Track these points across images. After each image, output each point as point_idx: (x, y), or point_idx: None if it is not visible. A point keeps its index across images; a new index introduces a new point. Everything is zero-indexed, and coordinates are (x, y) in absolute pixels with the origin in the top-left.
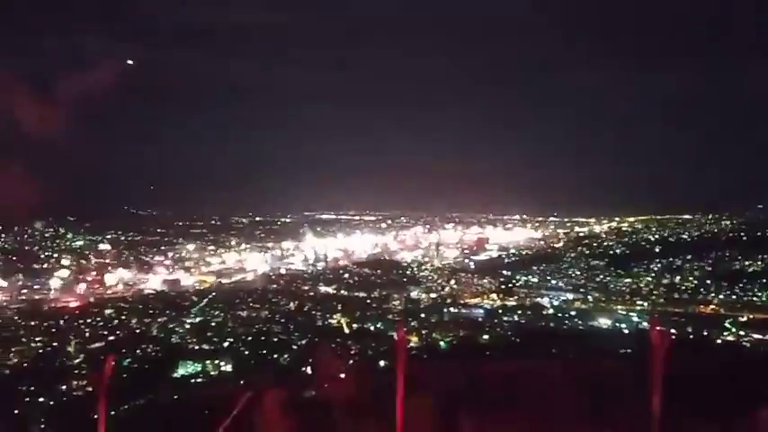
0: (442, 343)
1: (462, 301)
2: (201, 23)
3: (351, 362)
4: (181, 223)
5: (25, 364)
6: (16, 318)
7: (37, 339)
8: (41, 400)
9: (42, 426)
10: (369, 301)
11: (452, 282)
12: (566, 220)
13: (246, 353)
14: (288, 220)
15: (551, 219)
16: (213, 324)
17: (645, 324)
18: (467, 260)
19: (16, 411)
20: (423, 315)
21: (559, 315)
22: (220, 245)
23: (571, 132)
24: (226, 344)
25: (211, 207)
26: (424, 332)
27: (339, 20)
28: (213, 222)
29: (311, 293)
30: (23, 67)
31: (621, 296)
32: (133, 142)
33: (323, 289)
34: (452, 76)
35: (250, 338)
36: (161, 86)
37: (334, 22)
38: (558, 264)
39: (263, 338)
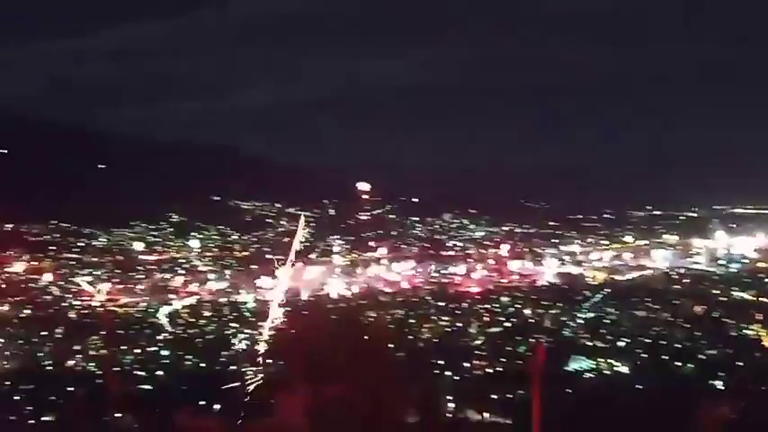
0: None
1: None
2: (597, 13)
3: None
4: (573, 216)
5: (435, 340)
6: (428, 298)
7: (444, 318)
8: (448, 374)
9: (450, 398)
10: None
11: None
12: None
13: (644, 356)
14: (693, 215)
15: None
16: (607, 321)
17: None
18: None
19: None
20: None
21: None
22: (614, 239)
23: None
24: (621, 344)
25: (606, 199)
26: None
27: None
28: (607, 216)
29: (722, 298)
30: None
31: None
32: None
33: (737, 294)
34: None
35: (648, 341)
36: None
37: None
38: None
39: (662, 342)
